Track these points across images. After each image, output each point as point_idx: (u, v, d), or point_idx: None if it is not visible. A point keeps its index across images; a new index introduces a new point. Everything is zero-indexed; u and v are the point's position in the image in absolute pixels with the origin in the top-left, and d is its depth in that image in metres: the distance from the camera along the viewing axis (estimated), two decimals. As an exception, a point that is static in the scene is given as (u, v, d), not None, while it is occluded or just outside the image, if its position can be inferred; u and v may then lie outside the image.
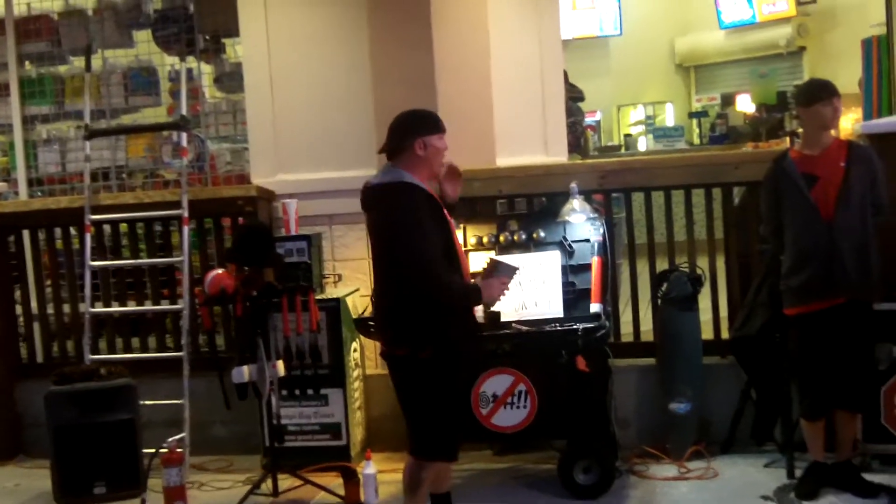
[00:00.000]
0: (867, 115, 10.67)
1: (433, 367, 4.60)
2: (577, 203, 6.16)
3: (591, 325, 5.61)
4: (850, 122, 12.27)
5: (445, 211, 4.71)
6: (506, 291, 4.79)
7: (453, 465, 4.99)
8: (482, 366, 5.73)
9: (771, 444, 6.19)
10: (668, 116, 17.42)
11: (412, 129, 4.70)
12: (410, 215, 4.50)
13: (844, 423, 5.57)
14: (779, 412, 5.95)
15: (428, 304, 4.53)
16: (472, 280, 4.84)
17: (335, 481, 6.08)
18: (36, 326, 7.57)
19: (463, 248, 5.08)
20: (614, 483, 5.79)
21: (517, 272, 4.83)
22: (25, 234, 7.57)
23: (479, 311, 5.05)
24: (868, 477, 5.59)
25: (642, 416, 6.52)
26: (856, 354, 5.42)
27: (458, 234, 5.20)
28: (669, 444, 6.34)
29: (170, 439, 5.99)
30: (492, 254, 5.96)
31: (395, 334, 4.74)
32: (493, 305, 5.04)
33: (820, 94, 5.43)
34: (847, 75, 13.30)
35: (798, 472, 5.76)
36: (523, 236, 6.22)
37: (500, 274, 4.76)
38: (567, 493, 5.73)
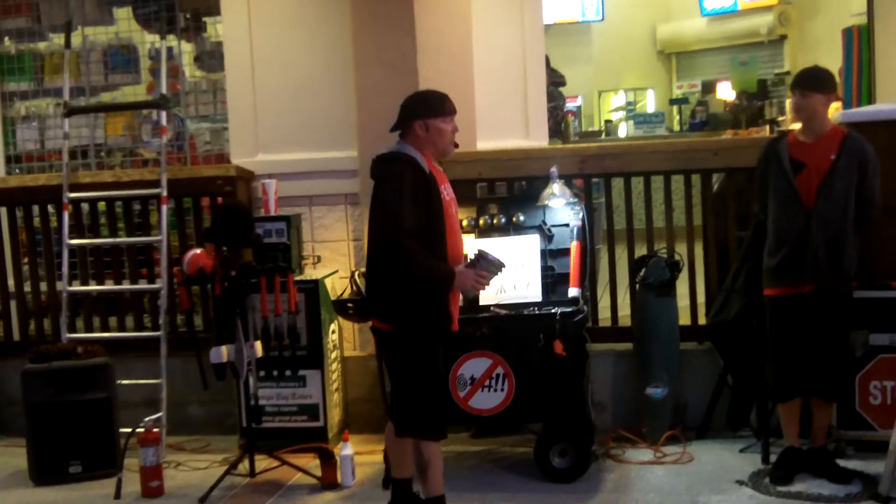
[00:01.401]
0: (847, 104, 10.72)
1: (407, 341, 4.75)
2: (556, 187, 6.17)
3: (570, 310, 5.63)
4: (829, 111, 12.33)
5: (445, 191, 4.80)
6: (483, 285, 4.78)
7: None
8: (460, 348, 5.72)
9: (746, 429, 6.22)
10: (649, 103, 17.47)
11: (413, 112, 4.87)
12: (393, 183, 4.64)
13: (819, 410, 5.61)
14: (754, 398, 5.99)
15: (398, 274, 4.63)
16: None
17: (312, 462, 6.09)
18: (13, 304, 7.53)
19: (460, 234, 5.00)
20: (590, 467, 5.80)
21: (501, 270, 4.78)
22: (3, 211, 7.52)
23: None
24: (842, 463, 5.63)
25: (619, 401, 6.55)
26: (828, 343, 5.46)
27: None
28: (645, 429, 6.37)
29: (146, 419, 5.99)
30: (481, 242, 5.92)
31: (373, 305, 4.91)
32: (469, 295, 5.05)
33: (793, 82, 5.50)
34: (827, 64, 13.24)
35: (773, 458, 5.80)
36: (503, 220, 6.23)
37: (481, 266, 4.71)
38: (543, 477, 5.74)
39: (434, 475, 4.91)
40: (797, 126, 5.61)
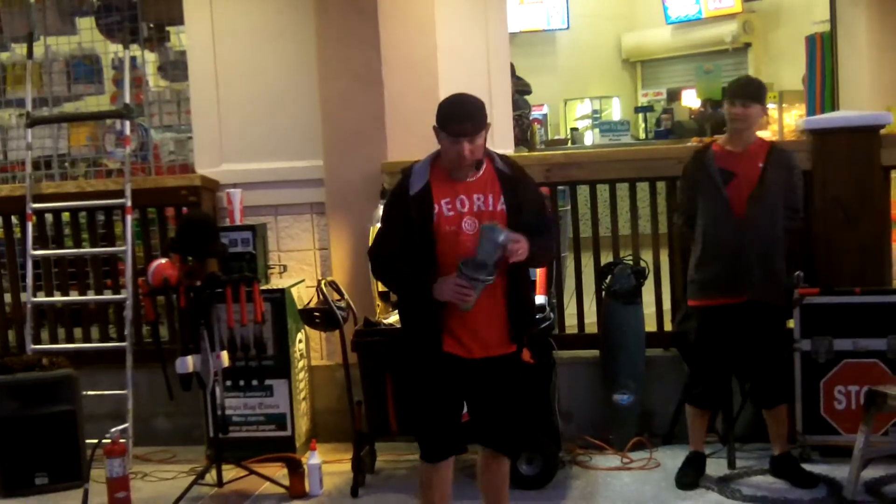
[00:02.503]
0: (811, 111, 10.84)
1: (402, 356, 4.58)
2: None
3: (536, 317, 5.63)
4: (793, 118, 12.45)
5: (444, 206, 4.25)
6: (464, 296, 4.14)
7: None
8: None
9: (712, 435, 6.25)
10: (615, 111, 17.52)
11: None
12: (387, 200, 4.52)
13: (770, 419, 5.67)
14: (719, 404, 6.01)
15: (387, 287, 4.52)
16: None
17: (280, 472, 6.07)
18: (-24, 316, 7.47)
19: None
20: (557, 474, 5.82)
21: (484, 284, 4.14)
22: (-34, 222, 7.46)
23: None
24: (808, 468, 5.66)
25: (585, 408, 6.56)
26: (764, 352, 5.52)
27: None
28: (612, 436, 6.39)
29: (112, 430, 5.94)
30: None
31: None
32: (461, 307, 4.23)
33: (729, 92, 5.55)
34: (791, 72, 13.48)
35: (739, 463, 5.85)
36: (469, 228, 6.21)
37: (462, 276, 4.13)
38: (510, 484, 5.72)
39: (427, 501, 4.58)
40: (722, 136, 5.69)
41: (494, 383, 4.41)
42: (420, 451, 4.50)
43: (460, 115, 4.21)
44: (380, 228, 4.52)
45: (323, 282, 6.07)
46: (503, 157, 4.44)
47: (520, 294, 4.39)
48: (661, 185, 6.82)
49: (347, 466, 5.97)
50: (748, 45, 16.15)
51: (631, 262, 6.51)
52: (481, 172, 4.32)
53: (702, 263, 5.54)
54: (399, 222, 4.30)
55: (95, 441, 5.93)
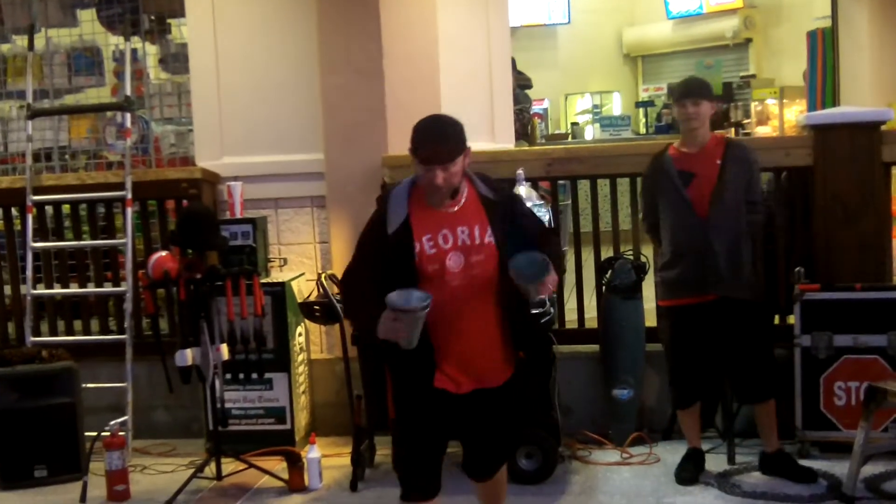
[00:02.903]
0: (811, 107, 10.85)
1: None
2: (523, 190, 6.17)
3: (536, 312, 5.63)
4: (794, 114, 12.45)
5: (425, 243, 3.90)
6: (397, 333, 3.74)
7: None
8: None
9: (712, 430, 6.25)
10: (615, 106, 17.56)
11: None
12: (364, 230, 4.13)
13: (758, 415, 5.68)
14: (719, 400, 6.01)
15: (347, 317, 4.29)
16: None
17: (279, 465, 6.07)
18: (-24, 308, 7.48)
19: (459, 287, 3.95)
20: (557, 469, 5.82)
21: (412, 315, 3.70)
22: (-34, 214, 7.46)
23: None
24: (807, 464, 5.66)
25: (585, 403, 6.55)
26: (741, 348, 5.53)
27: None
28: (612, 431, 6.39)
29: (112, 423, 5.95)
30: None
31: None
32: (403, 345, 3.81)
33: (676, 93, 5.57)
34: (792, 67, 13.49)
35: (739, 459, 5.85)
36: (469, 222, 6.21)
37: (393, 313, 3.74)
38: (510, 479, 5.71)
39: None
40: (677, 141, 5.69)
41: (484, 418, 4.13)
42: (400, 490, 4.16)
43: (431, 140, 3.83)
44: (354, 257, 4.09)
45: (323, 275, 6.06)
46: (486, 180, 4.06)
47: (517, 313, 4.05)
48: (661, 181, 6.81)
49: (347, 460, 5.96)
50: (749, 40, 16.19)
51: (631, 257, 6.52)
52: (463, 200, 3.96)
53: (668, 264, 5.57)
54: (374, 259, 3.97)
55: (95, 434, 5.95)
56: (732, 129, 13.90)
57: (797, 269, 6.00)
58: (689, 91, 5.50)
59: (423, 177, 3.85)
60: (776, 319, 6.47)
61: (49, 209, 7.33)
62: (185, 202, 6.94)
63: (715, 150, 5.50)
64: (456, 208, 3.95)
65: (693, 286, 5.46)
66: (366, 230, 4.06)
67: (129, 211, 6.81)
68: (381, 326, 3.76)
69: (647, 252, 6.63)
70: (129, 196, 6.79)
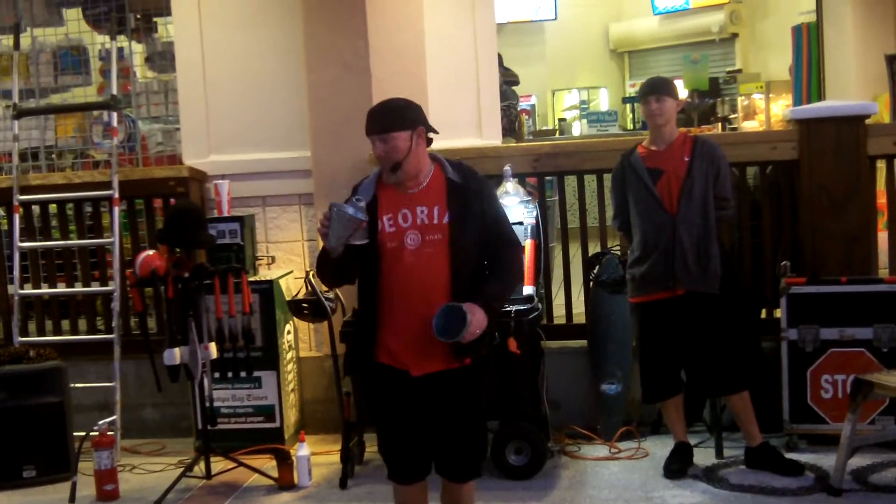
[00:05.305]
0: (797, 101, 10.88)
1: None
2: (510, 186, 6.19)
3: (524, 308, 5.64)
4: (780, 108, 12.48)
5: (387, 222, 4.06)
6: (324, 228, 3.93)
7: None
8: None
9: (700, 424, 6.28)
10: (602, 101, 17.56)
11: None
12: None
13: (733, 408, 5.71)
14: (708, 393, 6.03)
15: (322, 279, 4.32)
16: None
17: (269, 463, 6.08)
18: (-37, 309, 7.46)
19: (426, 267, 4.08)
20: (546, 463, 5.83)
21: (344, 216, 3.88)
22: (-48, 214, 7.45)
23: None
24: (795, 456, 5.68)
25: (573, 398, 6.57)
26: (713, 341, 5.54)
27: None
28: (600, 425, 6.41)
29: (100, 422, 5.94)
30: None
31: None
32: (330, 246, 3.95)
33: (641, 91, 5.63)
34: (778, 62, 13.52)
35: (727, 452, 5.87)
36: (457, 218, 6.21)
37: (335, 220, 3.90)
38: (499, 474, 5.76)
39: None
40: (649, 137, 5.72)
41: (439, 405, 4.16)
42: (387, 466, 4.30)
43: (372, 114, 4.10)
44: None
45: (311, 273, 6.06)
46: (457, 165, 4.19)
47: (466, 298, 4.02)
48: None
49: (336, 457, 5.97)
50: (735, 35, 16.20)
51: (619, 252, 6.52)
52: (426, 182, 4.12)
53: (638, 260, 5.62)
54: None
55: (83, 433, 5.94)
56: (719, 124, 13.92)
57: (783, 262, 6.02)
58: (652, 88, 5.56)
59: (374, 148, 4.06)
60: (763, 313, 6.50)
61: (36, 208, 7.32)
62: (172, 200, 6.94)
63: (683, 147, 5.56)
64: (417, 189, 4.11)
65: (662, 281, 5.51)
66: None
67: (117, 210, 6.80)
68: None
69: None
70: (117, 195, 6.78)
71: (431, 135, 4.15)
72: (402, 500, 4.34)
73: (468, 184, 4.13)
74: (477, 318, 3.95)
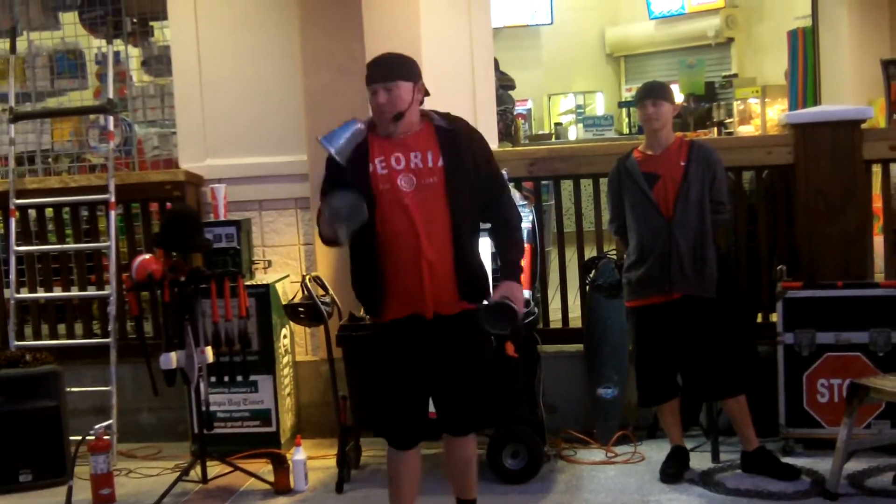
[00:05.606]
0: (793, 105, 10.89)
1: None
2: (506, 190, 6.19)
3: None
4: (776, 112, 12.50)
5: (380, 164, 4.19)
6: (331, 222, 4.05)
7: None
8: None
9: (696, 428, 6.28)
10: (598, 106, 17.59)
11: None
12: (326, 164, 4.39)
13: (729, 412, 5.71)
14: (704, 397, 6.03)
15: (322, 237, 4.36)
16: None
17: (265, 468, 6.07)
18: (-41, 313, 7.45)
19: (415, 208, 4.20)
20: (542, 468, 5.82)
21: (337, 213, 4.02)
22: (-52, 218, 7.43)
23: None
24: (791, 461, 5.68)
25: (570, 402, 6.57)
26: (708, 345, 5.54)
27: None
28: (596, 429, 6.40)
29: (97, 426, 5.93)
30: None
31: None
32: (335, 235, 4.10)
33: (637, 96, 5.65)
34: (774, 66, 13.55)
35: (723, 456, 5.87)
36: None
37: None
38: (495, 478, 5.76)
39: (395, 490, 4.48)
40: (642, 142, 5.75)
41: (449, 348, 4.27)
42: (383, 433, 4.43)
43: (374, 64, 4.23)
44: (322, 191, 4.32)
45: (307, 277, 6.06)
46: (443, 114, 4.35)
47: (466, 254, 4.25)
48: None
49: (332, 462, 5.97)
50: (731, 39, 16.25)
51: (615, 256, 6.53)
52: (419, 129, 4.26)
53: (635, 264, 5.62)
54: (338, 184, 4.20)
55: (80, 437, 5.92)
56: (715, 129, 13.94)
57: (779, 266, 6.03)
58: (649, 92, 5.57)
59: (372, 103, 4.18)
60: (759, 317, 6.51)
61: (32, 212, 7.30)
62: (168, 204, 6.93)
63: (679, 152, 5.56)
64: (409, 135, 4.23)
65: (658, 285, 5.51)
66: (328, 164, 4.31)
67: (113, 213, 6.79)
68: (321, 224, 4.12)
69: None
70: (113, 199, 6.77)
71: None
72: (398, 468, 4.42)
73: (458, 129, 4.27)
74: (518, 297, 4.10)
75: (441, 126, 4.26)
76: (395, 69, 4.17)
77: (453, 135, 4.25)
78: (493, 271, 5.28)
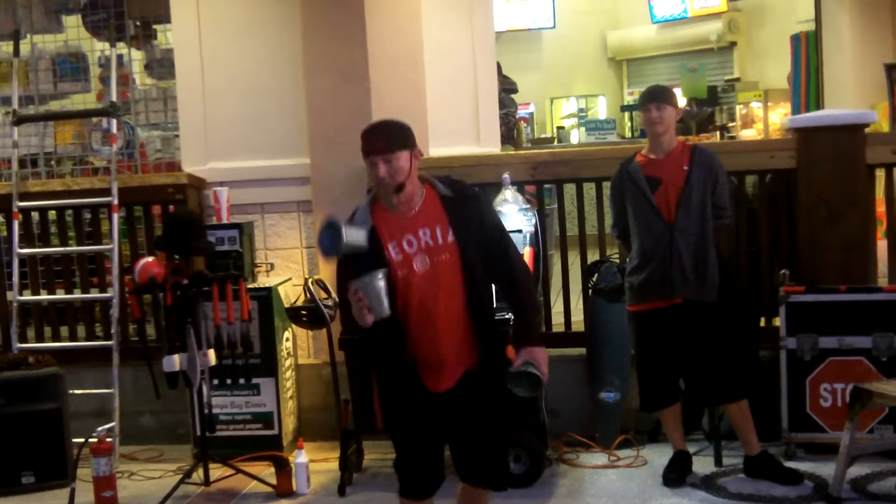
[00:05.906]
0: (795, 110, 10.87)
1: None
2: (508, 194, 6.18)
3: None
4: (778, 117, 12.49)
5: (393, 249, 4.02)
6: (360, 310, 3.86)
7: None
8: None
9: (698, 432, 6.28)
10: (601, 109, 17.57)
11: None
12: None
13: (730, 417, 5.70)
14: (706, 402, 6.03)
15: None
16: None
17: (267, 470, 6.07)
18: (-38, 315, 7.45)
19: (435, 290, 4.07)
20: (544, 472, 5.82)
21: (371, 283, 3.86)
22: (-49, 221, 7.44)
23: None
24: (793, 465, 5.67)
25: (572, 406, 6.56)
26: (705, 351, 5.54)
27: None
28: (598, 433, 6.40)
29: (99, 429, 5.93)
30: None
31: None
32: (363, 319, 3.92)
33: (641, 99, 5.64)
34: (776, 70, 13.53)
35: (725, 461, 5.87)
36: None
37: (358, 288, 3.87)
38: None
39: None
40: (645, 146, 5.75)
41: (463, 410, 4.16)
42: (399, 485, 4.32)
43: (371, 133, 4.02)
44: (337, 282, 4.30)
45: (310, 280, 6.07)
46: (445, 180, 4.16)
47: (481, 309, 4.13)
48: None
49: (335, 465, 5.96)
50: (733, 43, 16.22)
51: (617, 260, 6.53)
52: (421, 202, 4.07)
53: (637, 269, 5.62)
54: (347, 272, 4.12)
55: (82, 440, 5.93)
56: (717, 133, 13.93)
57: (782, 271, 6.03)
58: (653, 96, 5.56)
59: (372, 176, 4.00)
60: (761, 321, 6.50)
61: (35, 215, 7.32)
62: (171, 207, 6.94)
63: (681, 156, 5.56)
64: (414, 211, 4.06)
65: (660, 290, 5.51)
66: (340, 258, 4.17)
67: (115, 216, 6.80)
68: (353, 311, 3.89)
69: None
70: (115, 201, 6.78)
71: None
72: None
73: (462, 197, 4.11)
74: (541, 361, 4.03)
75: (446, 196, 4.09)
76: (393, 140, 3.99)
77: (460, 204, 4.09)
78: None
